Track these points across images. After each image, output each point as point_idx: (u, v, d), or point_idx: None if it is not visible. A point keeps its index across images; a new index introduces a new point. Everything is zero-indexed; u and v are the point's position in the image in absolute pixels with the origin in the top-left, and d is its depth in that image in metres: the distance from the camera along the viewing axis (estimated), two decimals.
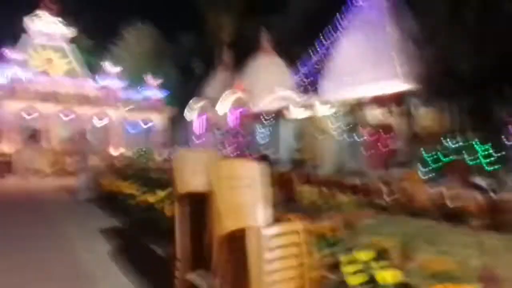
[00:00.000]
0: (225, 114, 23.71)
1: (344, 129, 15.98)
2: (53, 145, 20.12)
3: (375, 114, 14.99)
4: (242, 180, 3.05)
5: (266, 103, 21.00)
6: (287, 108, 18.73)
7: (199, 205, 3.46)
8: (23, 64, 21.84)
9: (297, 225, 2.77)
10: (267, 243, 2.55)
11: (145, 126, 26.32)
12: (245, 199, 2.98)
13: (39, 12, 23.69)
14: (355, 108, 15.41)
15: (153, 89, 26.18)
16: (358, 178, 8.93)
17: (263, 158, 15.86)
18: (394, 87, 14.38)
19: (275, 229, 2.66)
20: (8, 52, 21.39)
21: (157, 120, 26.18)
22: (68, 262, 5.07)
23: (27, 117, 21.81)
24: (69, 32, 24.65)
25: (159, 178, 9.05)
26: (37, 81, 22.20)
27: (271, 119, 19.72)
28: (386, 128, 14.57)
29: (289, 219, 3.46)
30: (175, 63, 34.25)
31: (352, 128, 15.70)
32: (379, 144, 14.61)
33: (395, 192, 7.34)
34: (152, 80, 26.21)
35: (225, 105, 23.67)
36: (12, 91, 21.14)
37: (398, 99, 14.19)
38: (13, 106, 21.20)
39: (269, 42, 24.07)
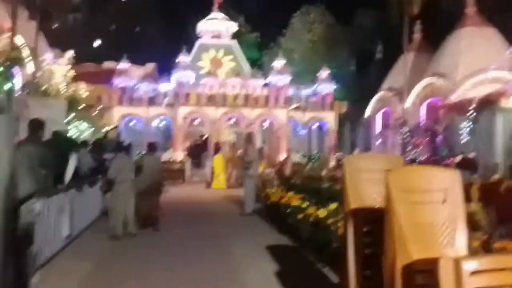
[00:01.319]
0: (414, 107, 22.50)
1: None
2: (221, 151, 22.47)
3: None
4: (432, 194, 2.79)
5: (471, 89, 19.04)
6: (504, 93, 16.59)
7: (377, 223, 3.30)
8: (193, 68, 25.64)
9: None
10: (469, 281, 2.24)
11: (315, 126, 27.02)
12: (437, 219, 2.72)
13: (212, 15, 28.02)
14: None
15: (325, 83, 26.51)
16: None
17: (467, 162, 14.38)
18: None
19: (485, 263, 2.32)
20: (182, 58, 25.27)
21: (329, 118, 26.42)
22: (233, 280, 5.55)
23: (195, 123, 25.37)
24: (233, 26, 27.60)
25: (330, 188, 9.11)
26: (205, 83, 25.49)
27: (479, 110, 17.73)
28: None
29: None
30: (352, 50, 34.15)
31: None
32: None
33: None
34: (324, 72, 26.58)
35: (414, 96, 22.47)
36: (183, 96, 24.75)
37: None
38: (184, 111, 24.70)
39: (475, 8, 21.74)
